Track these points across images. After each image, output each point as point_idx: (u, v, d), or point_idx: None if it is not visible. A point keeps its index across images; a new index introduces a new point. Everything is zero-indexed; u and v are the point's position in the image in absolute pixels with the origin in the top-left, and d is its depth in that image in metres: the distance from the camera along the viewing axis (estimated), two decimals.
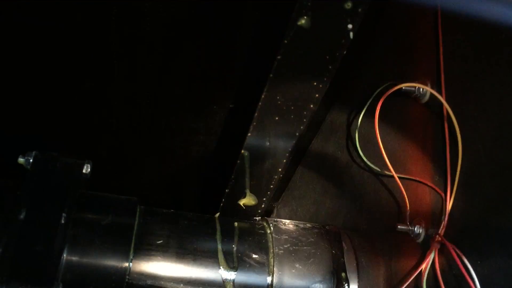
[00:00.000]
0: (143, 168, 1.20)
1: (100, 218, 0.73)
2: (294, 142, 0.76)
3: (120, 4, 0.87)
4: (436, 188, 0.74)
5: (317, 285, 0.78)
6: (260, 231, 0.83)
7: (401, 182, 0.80)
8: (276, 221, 0.86)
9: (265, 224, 0.85)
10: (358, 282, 0.80)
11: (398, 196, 0.84)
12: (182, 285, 0.74)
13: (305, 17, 0.61)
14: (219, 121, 1.08)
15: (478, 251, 0.65)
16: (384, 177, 0.88)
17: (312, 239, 0.83)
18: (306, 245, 0.81)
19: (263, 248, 0.80)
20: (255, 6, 0.88)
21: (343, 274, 0.80)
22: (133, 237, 0.73)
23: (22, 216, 0.67)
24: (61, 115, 1.06)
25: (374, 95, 0.87)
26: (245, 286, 0.76)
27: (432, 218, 0.75)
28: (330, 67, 0.66)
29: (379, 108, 0.82)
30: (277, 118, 0.72)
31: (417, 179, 0.79)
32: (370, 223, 0.92)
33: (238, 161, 0.80)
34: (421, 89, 0.79)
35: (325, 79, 0.67)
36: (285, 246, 0.80)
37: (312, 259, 0.80)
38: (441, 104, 0.73)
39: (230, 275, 0.76)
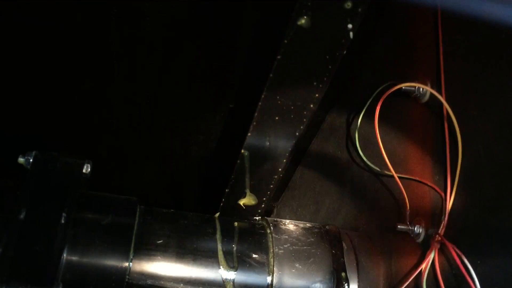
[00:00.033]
0: (143, 168, 1.20)
1: (100, 218, 0.73)
2: (294, 142, 0.76)
3: (120, 4, 0.87)
4: (436, 188, 0.74)
5: (317, 285, 0.78)
6: (260, 231, 0.83)
7: (401, 182, 0.80)
8: (276, 221, 0.86)
9: (265, 224, 0.85)
10: (358, 282, 0.80)
11: (398, 196, 0.84)
12: (182, 284, 0.74)
13: (305, 17, 0.61)
14: (219, 121, 1.08)
15: (478, 251, 0.65)
16: (384, 177, 0.88)
17: (312, 239, 0.83)
18: (306, 245, 0.81)
19: (263, 248, 0.80)
20: (255, 6, 0.89)
21: (343, 274, 0.80)
22: (133, 237, 0.73)
23: (22, 216, 0.67)
24: (61, 115, 1.06)
25: (374, 95, 0.87)
26: (245, 286, 0.76)
27: (432, 218, 0.75)
28: (330, 67, 0.66)
29: (379, 108, 0.82)
30: (277, 118, 0.72)
31: (417, 179, 0.79)
32: (370, 223, 0.92)
33: (238, 161, 0.80)
34: (421, 89, 0.79)
35: (325, 79, 0.67)
36: (285, 246, 0.80)
37: (312, 259, 0.80)
38: (441, 104, 0.73)
39: (230, 275, 0.76)
